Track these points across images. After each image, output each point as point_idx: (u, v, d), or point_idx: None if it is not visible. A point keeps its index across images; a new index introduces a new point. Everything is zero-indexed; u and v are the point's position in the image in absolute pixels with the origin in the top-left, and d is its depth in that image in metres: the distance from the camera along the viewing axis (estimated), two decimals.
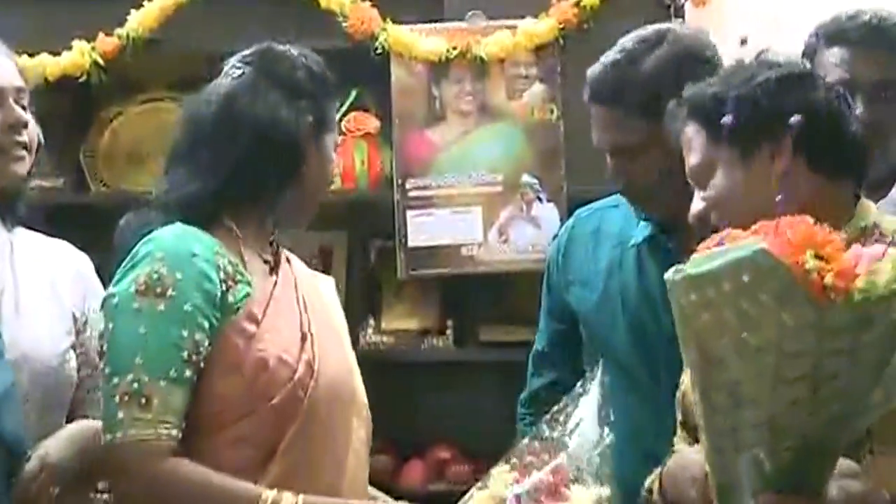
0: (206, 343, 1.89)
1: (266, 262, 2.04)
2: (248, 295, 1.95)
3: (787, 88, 1.81)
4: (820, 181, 1.80)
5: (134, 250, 1.94)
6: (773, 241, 1.44)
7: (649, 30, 2.26)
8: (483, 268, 3.07)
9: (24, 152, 2.13)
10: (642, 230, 2.27)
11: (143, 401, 1.85)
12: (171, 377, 1.86)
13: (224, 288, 1.92)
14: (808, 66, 2.01)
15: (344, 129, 3.15)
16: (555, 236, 2.51)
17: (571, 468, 1.84)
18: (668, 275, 1.49)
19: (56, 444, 2.07)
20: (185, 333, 1.87)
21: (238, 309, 1.93)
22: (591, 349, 2.32)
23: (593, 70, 2.22)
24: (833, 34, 2.27)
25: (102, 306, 1.95)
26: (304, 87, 2.04)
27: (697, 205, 1.87)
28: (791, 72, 1.85)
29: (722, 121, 1.80)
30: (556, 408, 1.96)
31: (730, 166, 1.81)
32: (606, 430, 1.90)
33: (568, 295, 2.35)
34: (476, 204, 3.07)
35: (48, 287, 2.17)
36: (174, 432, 1.85)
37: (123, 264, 1.94)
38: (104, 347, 1.92)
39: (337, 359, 2.01)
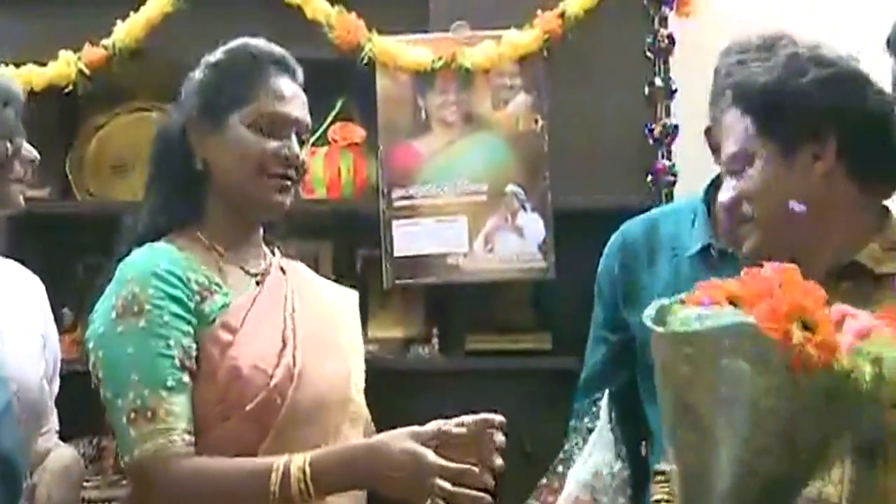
0: (194, 348, 1.95)
1: (249, 273, 2.06)
2: (224, 305, 1.99)
3: (839, 89, 1.78)
4: (854, 190, 1.79)
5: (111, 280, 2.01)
6: (761, 311, 1.44)
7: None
8: (468, 277, 3.08)
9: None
10: (698, 238, 2.21)
11: (150, 414, 1.90)
12: (170, 386, 1.91)
13: (198, 299, 1.98)
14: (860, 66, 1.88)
15: (330, 140, 3.16)
16: (602, 252, 2.40)
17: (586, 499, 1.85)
18: (651, 324, 1.50)
19: (54, 481, 2.08)
20: (171, 342, 1.93)
21: (214, 319, 1.98)
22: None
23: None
24: None
25: (88, 339, 2.00)
26: (200, 83, 2.11)
27: (729, 193, 1.85)
28: (845, 72, 1.80)
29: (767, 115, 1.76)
30: (566, 446, 1.98)
31: (771, 160, 1.80)
32: (621, 463, 1.92)
33: (626, 312, 2.27)
34: (461, 213, 3.08)
35: (18, 309, 2.18)
36: (186, 436, 1.90)
37: (103, 295, 2.00)
38: (99, 376, 1.97)
39: (330, 366, 2.03)
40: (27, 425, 2.09)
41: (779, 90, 1.78)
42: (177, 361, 1.93)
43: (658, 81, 3.10)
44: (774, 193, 1.80)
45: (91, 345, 1.99)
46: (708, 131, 2.17)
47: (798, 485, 1.55)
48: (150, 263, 1.99)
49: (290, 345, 2.01)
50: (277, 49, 2.13)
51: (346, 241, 3.36)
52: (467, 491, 1.83)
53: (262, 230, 2.16)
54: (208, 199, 2.09)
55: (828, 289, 1.50)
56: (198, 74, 2.13)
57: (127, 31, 3.09)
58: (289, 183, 2.07)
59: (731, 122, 1.83)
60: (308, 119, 2.12)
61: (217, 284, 2.02)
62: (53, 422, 2.31)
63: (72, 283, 2.78)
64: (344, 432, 2.05)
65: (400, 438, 1.86)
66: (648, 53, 3.11)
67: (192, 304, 1.97)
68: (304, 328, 2.03)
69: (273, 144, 2.05)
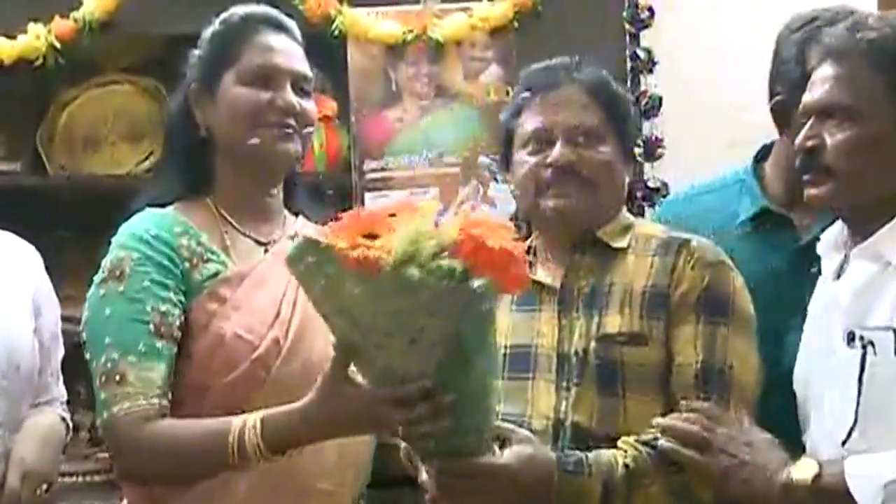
0: (176, 312, 1.96)
1: (259, 241, 2.06)
2: (217, 273, 1.99)
3: None
4: None
5: None
6: (334, 228, 1.71)
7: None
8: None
9: None
10: (752, 204, 2.28)
11: (118, 378, 1.92)
12: (141, 351, 1.93)
13: (187, 266, 1.98)
14: None
15: None
16: None
17: None
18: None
19: (30, 448, 2.09)
20: (148, 308, 1.95)
21: (204, 287, 1.97)
22: None
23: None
24: None
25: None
26: (198, 55, 2.14)
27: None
28: None
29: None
30: None
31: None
32: None
33: None
34: (433, 185, 3.09)
35: (10, 275, 2.19)
36: (154, 401, 1.92)
37: None
38: (83, 337, 2.01)
39: (326, 343, 1.98)
40: (13, 388, 2.10)
41: None
42: (151, 327, 1.94)
43: (640, 53, 3.10)
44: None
45: (84, 306, 2.02)
46: (780, 104, 2.20)
47: (476, 424, 1.84)
48: (139, 228, 2.01)
49: (286, 317, 2.01)
50: (267, 9, 2.16)
51: (319, 213, 3.36)
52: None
53: (281, 197, 2.15)
54: (218, 166, 2.10)
55: None
56: (198, 47, 2.16)
57: (97, 3, 3.06)
58: (290, 131, 2.07)
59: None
60: (305, 70, 2.13)
61: (213, 252, 2.03)
62: (57, 392, 2.31)
63: (44, 256, 2.77)
64: None
65: (342, 382, 1.82)
66: (628, 25, 3.10)
67: (178, 271, 1.98)
68: (308, 303, 1.99)
69: (264, 95, 2.06)
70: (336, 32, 3.06)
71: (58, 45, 3.07)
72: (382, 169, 3.09)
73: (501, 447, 1.92)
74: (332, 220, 1.77)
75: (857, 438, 1.86)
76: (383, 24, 3.09)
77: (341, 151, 3.19)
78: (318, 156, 3.16)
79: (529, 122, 2.18)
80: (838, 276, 1.98)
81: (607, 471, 1.94)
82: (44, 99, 3.32)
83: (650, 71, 3.10)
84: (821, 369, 1.97)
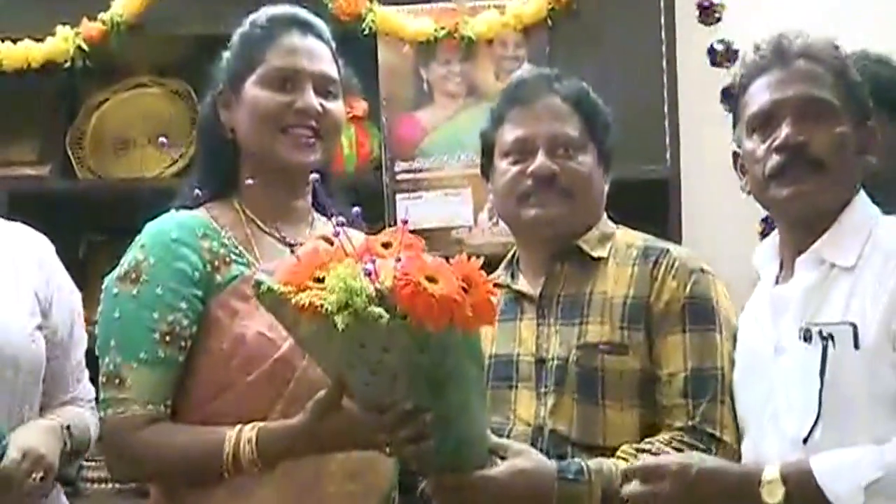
0: (185, 322, 1.97)
1: (286, 242, 2.04)
2: (241, 274, 1.97)
3: None
4: None
5: None
6: (285, 271, 1.76)
7: None
8: (473, 250, 3.02)
9: None
10: None
11: (118, 381, 1.97)
12: (142, 358, 1.95)
13: (209, 268, 2.00)
14: None
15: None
16: None
17: None
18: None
19: (35, 436, 2.08)
20: (156, 315, 1.96)
21: (226, 287, 1.97)
22: None
23: None
24: None
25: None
26: (226, 58, 2.14)
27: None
28: None
29: None
30: None
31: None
32: None
33: None
34: (465, 186, 3.05)
35: (10, 269, 2.17)
36: (150, 407, 1.95)
37: None
38: (96, 332, 2.05)
39: None
40: (10, 384, 2.08)
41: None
42: (156, 335, 1.96)
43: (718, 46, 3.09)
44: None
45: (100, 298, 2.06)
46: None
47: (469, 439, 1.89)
48: (162, 231, 2.02)
49: None
50: (294, 10, 2.15)
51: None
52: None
53: (309, 198, 2.15)
54: (243, 168, 2.11)
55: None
56: (227, 51, 2.17)
57: (124, 5, 3.06)
58: (311, 138, 2.07)
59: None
60: (329, 72, 2.12)
61: (238, 253, 2.03)
62: (81, 391, 2.28)
63: (74, 260, 2.76)
64: None
65: (331, 407, 1.87)
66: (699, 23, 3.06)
67: (198, 275, 1.99)
68: None
69: (284, 98, 2.06)
70: (366, 31, 3.03)
71: (85, 47, 3.06)
72: (414, 170, 3.06)
73: (503, 460, 1.96)
74: (371, 231, 1.85)
75: (821, 434, 1.88)
76: (414, 22, 3.06)
77: (372, 152, 3.15)
78: (347, 156, 3.13)
79: (510, 133, 2.21)
80: (776, 283, 2.06)
81: (607, 478, 1.97)
82: (72, 102, 3.32)
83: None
84: (767, 372, 2.00)
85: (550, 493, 1.94)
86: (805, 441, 1.89)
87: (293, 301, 1.71)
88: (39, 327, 2.18)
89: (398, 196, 3.05)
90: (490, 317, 1.80)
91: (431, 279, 1.72)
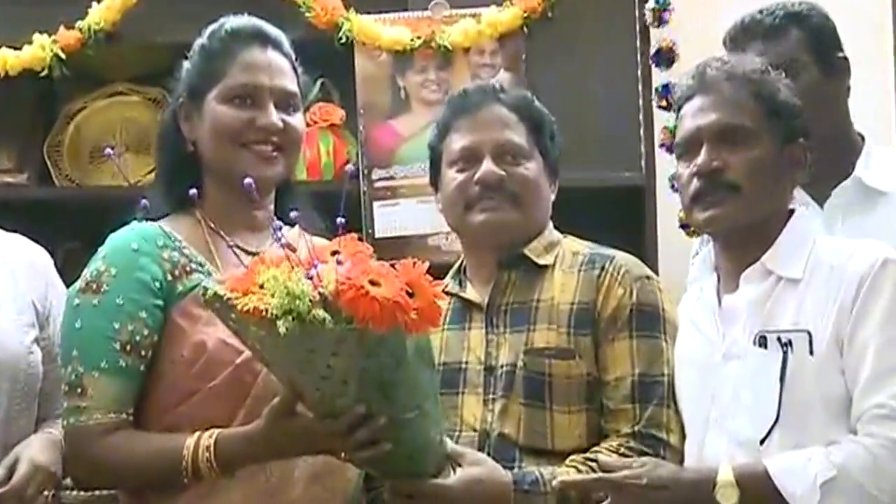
0: (146, 332, 1.99)
1: (247, 251, 2.05)
2: (201, 283, 1.98)
3: None
4: None
5: None
6: (235, 276, 1.80)
7: None
8: (450, 258, 3.05)
9: None
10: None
11: (80, 390, 1.98)
12: (103, 367, 1.97)
13: (170, 278, 2.02)
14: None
15: (309, 121, 3.13)
16: None
17: None
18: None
19: (41, 448, 2.07)
20: (116, 325, 1.98)
21: (187, 295, 1.97)
22: None
23: None
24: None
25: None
26: (186, 68, 2.15)
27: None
28: None
29: None
30: None
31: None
32: None
33: None
34: None
35: (8, 280, 2.16)
36: (112, 416, 1.97)
37: None
38: (58, 344, 2.08)
39: None
40: (7, 395, 2.08)
41: None
42: (117, 345, 1.97)
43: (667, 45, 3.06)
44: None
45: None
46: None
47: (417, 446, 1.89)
48: (124, 241, 2.04)
49: None
50: (255, 22, 2.16)
51: (327, 223, 3.34)
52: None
53: (272, 207, 2.16)
54: (204, 180, 2.12)
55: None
56: (188, 59, 2.17)
57: (101, 13, 3.06)
58: (273, 153, 2.08)
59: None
60: (290, 87, 2.13)
61: (199, 263, 2.05)
62: None
63: None
64: None
65: (286, 414, 1.88)
66: (647, 20, 3.05)
67: (158, 285, 2.00)
68: None
69: (245, 114, 2.07)
70: (343, 39, 3.04)
71: (63, 55, 3.06)
72: (391, 178, 3.07)
73: (459, 467, 1.97)
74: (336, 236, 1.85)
75: (778, 436, 1.94)
76: (391, 31, 3.07)
77: (349, 160, 3.16)
78: (325, 164, 3.14)
79: (457, 142, 2.24)
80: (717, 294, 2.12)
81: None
82: (50, 110, 3.31)
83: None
84: (711, 377, 2.05)
85: (508, 502, 1.96)
86: (762, 442, 1.95)
87: (238, 306, 1.73)
88: (36, 339, 2.18)
89: (375, 203, 3.06)
90: (436, 319, 1.82)
91: (374, 283, 1.73)
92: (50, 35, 3.08)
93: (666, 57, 3.02)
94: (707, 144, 2.06)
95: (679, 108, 2.13)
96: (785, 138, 2.08)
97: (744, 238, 2.06)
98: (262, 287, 1.74)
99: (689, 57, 2.98)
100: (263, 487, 1.97)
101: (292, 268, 1.75)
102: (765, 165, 2.05)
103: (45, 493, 2.04)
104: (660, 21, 3.00)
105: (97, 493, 2.89)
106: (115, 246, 2.04)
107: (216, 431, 1.93)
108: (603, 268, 2.16)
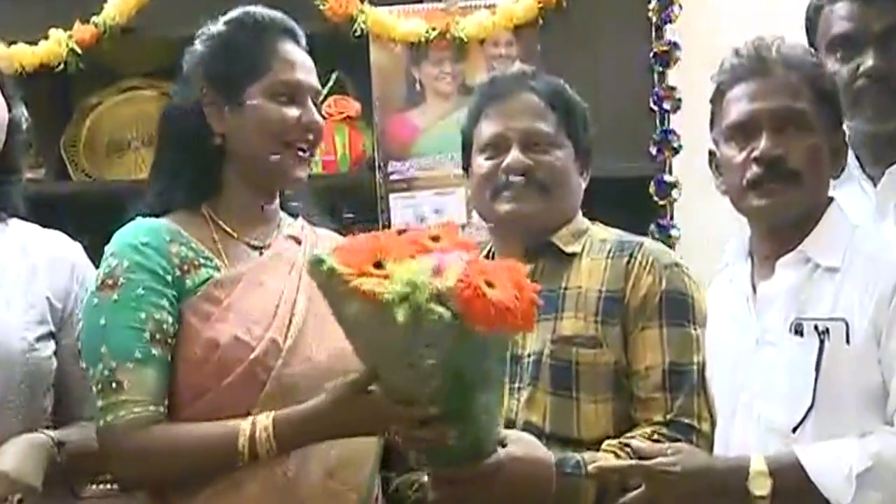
0: (170, 320, 1.98)
1: (254, 246, 2.05)
2: (210, 278, 1.98)
3: None
4: None
5: None
6: (343, 252, 1.76)
7: None
8: None
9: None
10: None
11: (115, 385, 1.94)
12: (137, 358, 1.95)
13: (178, 273, 2.00)
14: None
15: (324, 114, 3.13)
16: None
17: None
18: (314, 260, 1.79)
19: (13, 454, 2.02)
20: (142, 315, 1.96)
21: (197, 291, 1.97)
22: None
23: None
24: None
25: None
26: (206, 56, 2.11)
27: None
28: None
29: None
30: None
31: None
32: None
33: None
34: (458, 185, 3.05)
35: (26, 274, 2.14)
36: (151, 408, 1.94)
37: None
38: (80, 346, 2.04)
39: (336, 344, 1.96)
40: (3, 390, 2.04)
41: None
42: (147, 335, 1.95)
43: (664, 48, 3.07)
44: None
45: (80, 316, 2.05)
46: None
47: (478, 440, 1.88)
48: (130, 237, 2.02)
49: (284, 318, 2.00)
50: (280, 16, 2.14)
51: (343, 215, 3.34)
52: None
53: (277, 200, 2.15)
54: (225, 174, 2.09)
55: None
56: (200, 47, 2.13)
57: (117, 8, 3.07)
58: (307, 155, 2.09)
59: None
60: (318, 85, 2.14)
61: (206, 258, 2.03)
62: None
63: None
64: None
65: (358, 393, 1.88)
66: (651, 16, 3.06)
67: (170, 277, 1.99)
68: (312, 300, 2.00)
69: (294, 112, 2.07)
70: (358, 32, 3.04)
71: (79, 50, 3.07)
72: (407, 169, 3.07)
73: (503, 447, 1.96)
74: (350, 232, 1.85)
75: (812, 424, 1.93)
76: (406, 23, 3.07)
77: (365, 152, 3.16)
78: (341, 157, 3.15)
79: (487, 129, 2.23)
80: (752, 280, 2.09)
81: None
82: (66, 105, 3.32)
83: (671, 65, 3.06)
84: (743, 363, 2.04)
85: (550, 485, 1.96)
86: (794, 430, 1.93)
87: (352, 284, 1.71)
88: (51, 335, 2.14)
89: (391, 195, 3.07)
90: (532, 323, 1.81)
91: (489, 283, 1.72)
92: (66, 30, 3.09)
93: (662, 59, 3.03)
94: (768, 130, 2.01)
95: (725, 89, 2.08)
96: (833, 126, 2.06)
97: (790, 226, 2.04)
98: (377, 266, 1.72)
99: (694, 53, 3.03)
100: (281, 482, 1.95)
101: (413, 256, 1.75)
102: (822, 153, 2.03)
103: (11, 499, 2.01)
104: (664, 20, 3.02)
105: (114, 487, 2.91)
106: (124, 241, 2.03)
107: (271, 413, 1.92)
108: (631, 255, 2.15)
